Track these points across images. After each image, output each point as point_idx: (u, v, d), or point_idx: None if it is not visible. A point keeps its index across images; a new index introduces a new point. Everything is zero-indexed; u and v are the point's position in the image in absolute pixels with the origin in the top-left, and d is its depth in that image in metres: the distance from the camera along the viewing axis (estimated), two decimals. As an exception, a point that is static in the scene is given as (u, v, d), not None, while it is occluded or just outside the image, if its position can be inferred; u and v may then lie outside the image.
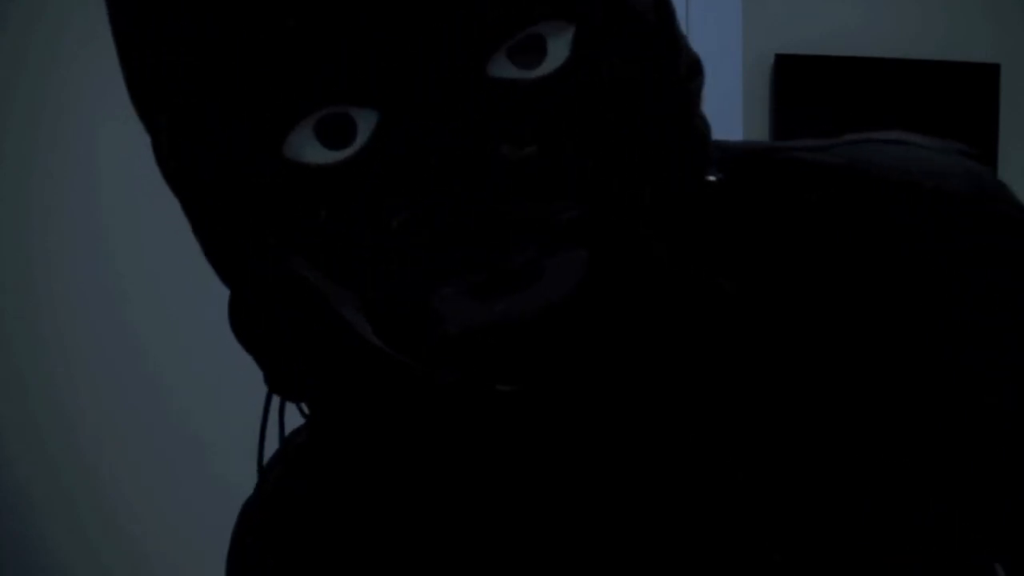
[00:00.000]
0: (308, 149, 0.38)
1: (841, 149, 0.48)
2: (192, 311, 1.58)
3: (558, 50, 0.39)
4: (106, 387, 1.64)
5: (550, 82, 0.39)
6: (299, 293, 0.42)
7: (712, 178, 0.46)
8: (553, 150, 0.39)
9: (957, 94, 2.23)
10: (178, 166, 0.42)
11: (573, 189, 0.39)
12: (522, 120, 0.38)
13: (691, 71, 0.44)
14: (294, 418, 0.52)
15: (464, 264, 0.38)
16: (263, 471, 0.56)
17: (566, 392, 0.45)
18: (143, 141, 0.43)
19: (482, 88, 0.38)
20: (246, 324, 0.46)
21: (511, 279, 0.39)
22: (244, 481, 0.56)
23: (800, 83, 2.15)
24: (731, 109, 1.90)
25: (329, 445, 0.53)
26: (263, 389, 0.48)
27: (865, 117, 2.14)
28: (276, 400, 0.52)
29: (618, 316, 0.42)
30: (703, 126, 0.45)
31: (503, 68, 0.38)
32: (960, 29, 2.32)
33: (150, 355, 1.65)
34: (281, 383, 0.47)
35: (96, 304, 1.64)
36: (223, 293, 0.46)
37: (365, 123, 0.38)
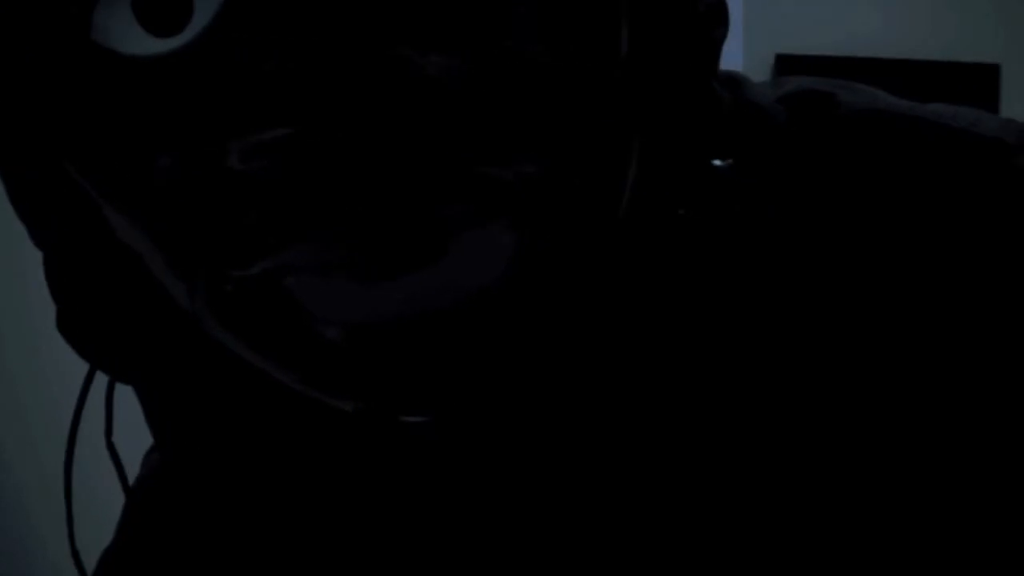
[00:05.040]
0: (122, 33, 0.28)
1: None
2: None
3: None
4: (104, 387, 1.64)
5: None
6: (112, 255, 0.33)
7: (719, 163, 0.35)
8: (491, 68, 0.27)
9: (957, 94, 2.24)
10: None
11: (520, 132, 0.27)
12: (448, 15, 0.27)
13: (712, 14, 0.33)
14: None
15: (346, 225, 0.27)
16: (127, 505, 0.44)
17: (499, 417, 0.32)
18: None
19: None
20: (57, 276, 0.36)
21: (408, 251, 0.27)
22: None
23: (800, 83, 2.15)
24: (731, 109, 1.90)
25: (187, 465, 0.42)
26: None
27: (865, 117, 2.15)
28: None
29: (564, 311, 0.30)
30: (721, 98, 0.34)
31: None
32: (960, 30, 2.31)
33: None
34: (101, 359, 0.37)
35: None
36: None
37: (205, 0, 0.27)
